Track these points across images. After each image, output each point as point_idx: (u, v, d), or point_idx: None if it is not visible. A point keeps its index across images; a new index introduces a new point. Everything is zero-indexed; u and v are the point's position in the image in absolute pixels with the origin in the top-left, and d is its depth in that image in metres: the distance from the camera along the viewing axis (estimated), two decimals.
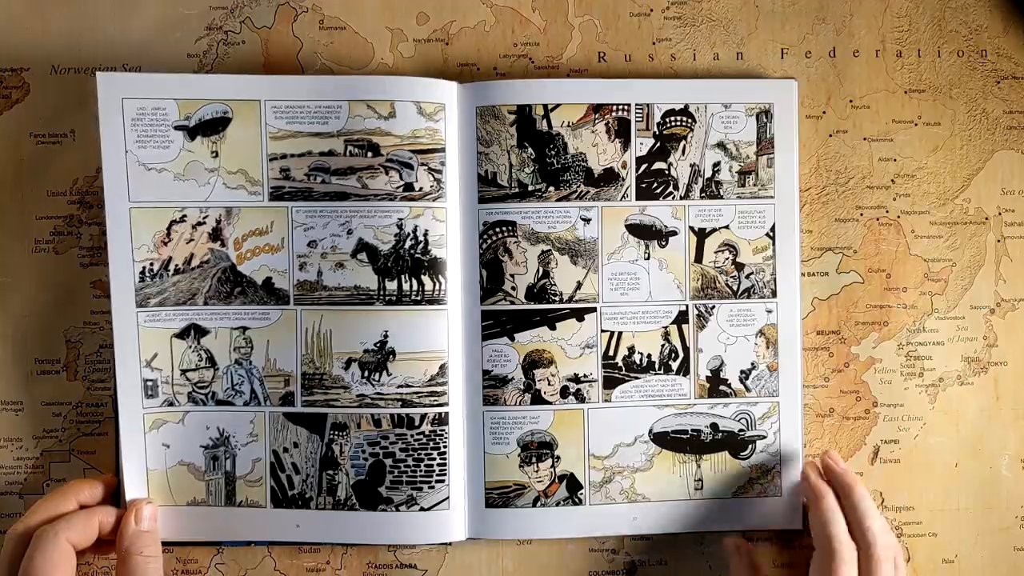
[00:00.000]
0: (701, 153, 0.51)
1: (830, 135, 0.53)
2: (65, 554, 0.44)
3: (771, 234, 0.52)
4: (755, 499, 0.52)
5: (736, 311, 0.52)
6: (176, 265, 0.49)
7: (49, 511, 0.46)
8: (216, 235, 0.49)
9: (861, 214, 0.53)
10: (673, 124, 0.51)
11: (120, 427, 0.49)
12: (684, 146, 0.51)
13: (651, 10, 0.53)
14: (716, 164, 0.51)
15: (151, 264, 0.49)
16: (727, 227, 0.52)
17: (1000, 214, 0.53)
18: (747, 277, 0.52)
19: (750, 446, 0.52)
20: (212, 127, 0.49)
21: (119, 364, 0.49)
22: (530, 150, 0.51)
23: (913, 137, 0.53)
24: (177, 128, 0.49)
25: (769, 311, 0.52)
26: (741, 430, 0.52)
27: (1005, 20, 0.53)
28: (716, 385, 0.52)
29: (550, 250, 0.51)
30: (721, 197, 0.52)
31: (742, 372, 0.52)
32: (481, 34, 0.53)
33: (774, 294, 0.52)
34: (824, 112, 0.53)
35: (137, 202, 0.49)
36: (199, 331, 0.50)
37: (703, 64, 0.53)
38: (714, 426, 0.52)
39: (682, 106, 0.51)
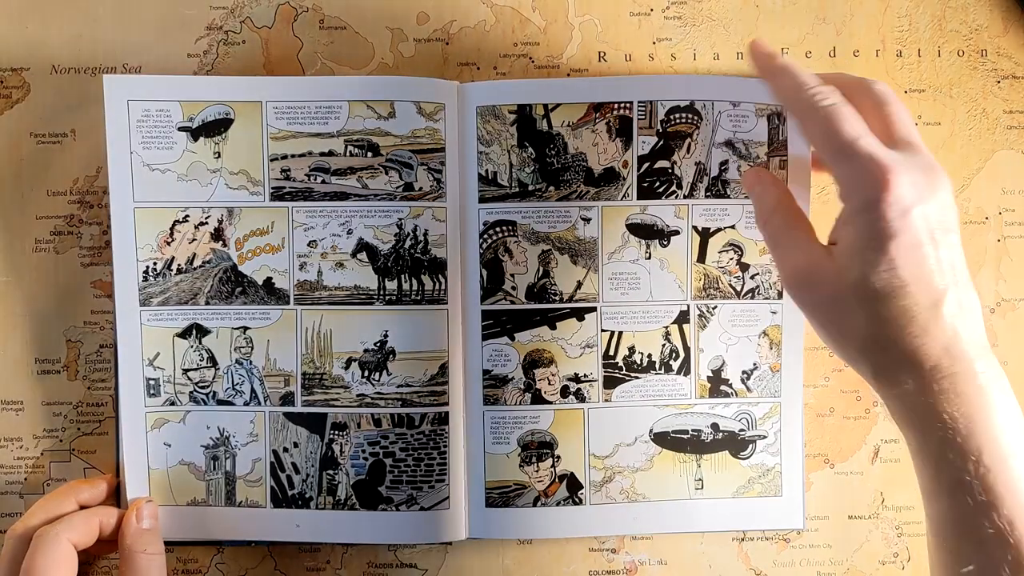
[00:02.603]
0: (707, 151, 0.52)
1: None
2: (67, 554, 0.46)
3: None
4: (755, 499, 0.53)
5: (739, 311, 0.53)
6: (179, 265, 0.51)
7: (49, 511, 0.48)
8: (218, 235, 0.51)
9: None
10: (678, 121, 0.52)
11: (122, 426, 0.51)
12: (689, 144, 0.52)
13: (651, 10, 0.55)
14: (723, 163, 0.52)
15: (154, 264, 0.51)
16: (733, 227, 0.53)
17: (1000, 214, 0.55)
18: (752, 278, 0.53)
19: (750, 446, 0.53)
20: (215, 128, 0.51)
21: (122, 363, 0.51)
22: (530, 150, 0.52)
23: None
24: (181, 129, 0.51)
25: (774, 312, 0.53)
26: (742, 430, 0.53)
27: (1005, 20, 0.55)
28: (717, 385, 0.53)
29: (550, 250, 0.52)
30: (728, 196, 0.52)
31: (744, 372, 0.53)
32: (481, 34, 0.55)
33: (780, 295, 0.53)
34: None
35: (141, 202, 0.51)
36: (200, 331, 0.52)
37: (703, 64, 0.55)
38: (715, 426, 0.53)
39: (687, 103, 0.52)
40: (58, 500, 0.49)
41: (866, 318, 0.40)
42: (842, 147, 0.40)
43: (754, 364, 0.53)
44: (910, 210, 0.39)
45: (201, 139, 0.51)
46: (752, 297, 0.53)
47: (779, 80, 0.45)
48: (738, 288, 0.53)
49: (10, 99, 0.54)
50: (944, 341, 0.39)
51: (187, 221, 0.51)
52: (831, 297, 0.41)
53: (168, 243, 0.51)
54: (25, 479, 0.54)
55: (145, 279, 0.51)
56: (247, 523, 0.52)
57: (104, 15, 0.54)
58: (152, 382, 0.52)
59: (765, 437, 0.53)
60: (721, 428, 0.53)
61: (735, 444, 0.53)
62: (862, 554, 0.55)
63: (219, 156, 0.51)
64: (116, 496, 0.52)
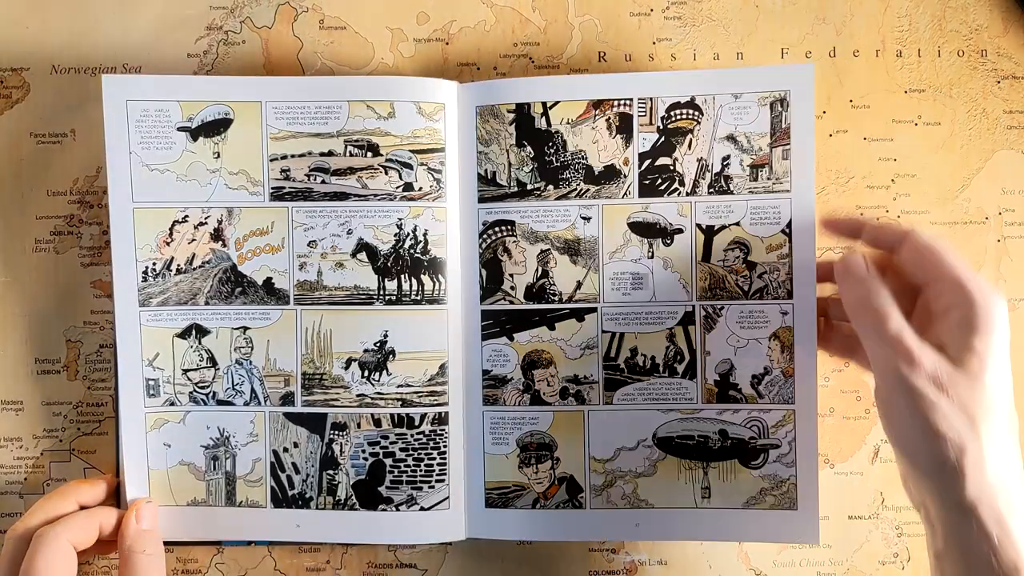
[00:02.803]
0: (709, 147, 0.51)
1: (830, 135, 0.55)
2: (67, 555, 0.46)
3: (787, 231, 0.51)
4: (768, 511, 0.52)
5: (747, 312, 0.52)
6: (178, 265, 0.52)
7: (49, 512, 0.48)
8: (217, 235, 0.52)
9: (861, 214, 0.55)
10: (679, 117, 0.52)
11: (121, 426, 0.51)
12: (690, 140, 0.51)
13: (651, 10, 0.55)
14: (725, 158, 0.51)
15: (154, 264, 0.51)
16: (738, 224, 0.52)
17: (1000, 214, 0.55)
18: (759, 277, 0.52)
19: (762, 455, 0.52)
20: (214, 128, 0.51)
21: (121, 363, 0.51)
22: (529, 149, 0.52)
23: (913, 137, 0.55)
24: (180, 129, 0.51)
25: (785, 313, 0.51)
26: (752, 438, 0.52)
27: (1005, 20, 0.55)
28: (725, 390, 0.52)
29: (549, 249, 0.52)
30: (731, 193, 0.52)
31: (754, 377, 0.52)
32: (481, 34, 0.55)
33: (790, 295, 0.51)
34: (824, 112, 0.55)
35: (140, 202, 0.51)
36: (200, 331, 0.52)
37: (703, 64, 0.55)
38: (723, 433, 0.52)
39: (688, 98, 0.51)
40: (58, 500, 0.49)
41: (971, 426, 0.42)
42: (960, 268, 0.44)
43: (765, 368, 0.52)
44: (1006, 341, 0.43)
45: (200, 139, 0.51)
46: (761, 297, 0.52)
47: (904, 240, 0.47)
48: (745, 288, 0.52)
49: (10, 99, 0.54)
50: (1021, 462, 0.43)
51: (186, 221, 0.52)
52: (930, 396, 0.42)
53: (167, 243, 0.52)
54: (25, 479, 0.54)
55: (144, 279, 0.52)
56: (247, 523, 0.52)
57: (104, 15, 0.54)
58: (152, 382, 0.52)
59: (778, 446, 0.52)
60: (730, 435, 0.52)
61: (745, 452, 0.52)
62: (862, 554, 0.55)
63: (218, 156, 0.51)
64: (116, 496, 0.52)
